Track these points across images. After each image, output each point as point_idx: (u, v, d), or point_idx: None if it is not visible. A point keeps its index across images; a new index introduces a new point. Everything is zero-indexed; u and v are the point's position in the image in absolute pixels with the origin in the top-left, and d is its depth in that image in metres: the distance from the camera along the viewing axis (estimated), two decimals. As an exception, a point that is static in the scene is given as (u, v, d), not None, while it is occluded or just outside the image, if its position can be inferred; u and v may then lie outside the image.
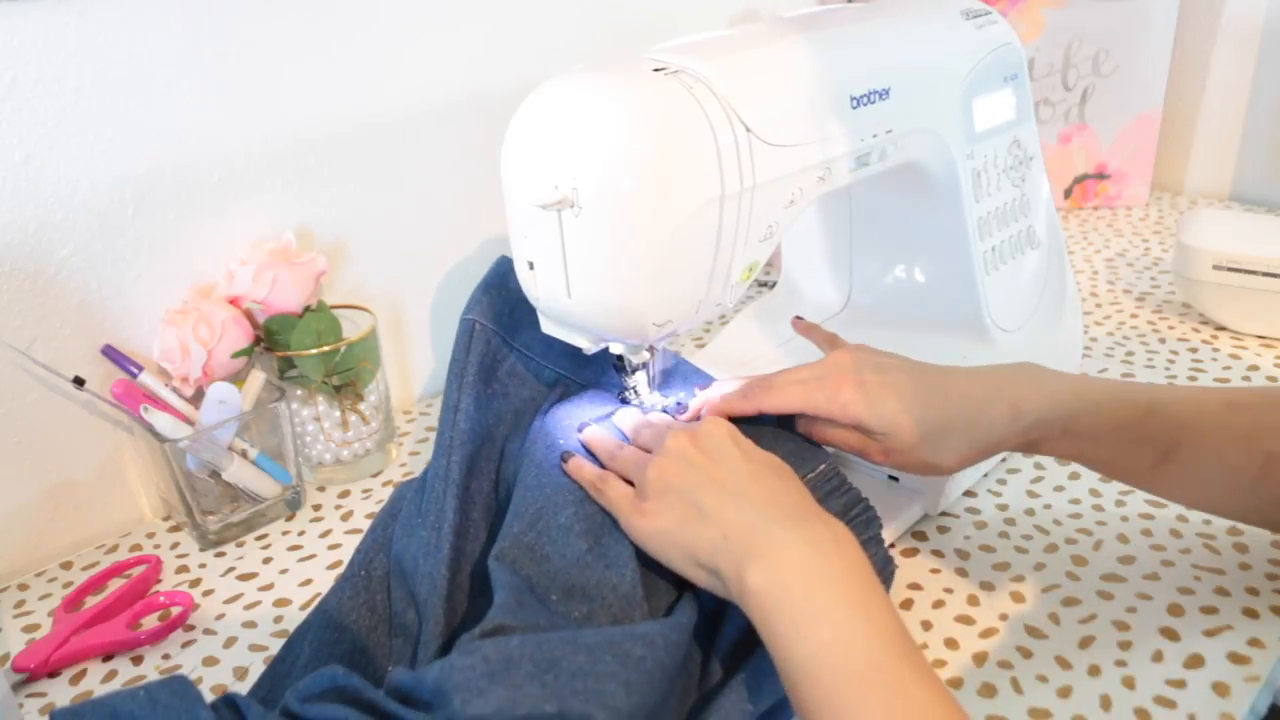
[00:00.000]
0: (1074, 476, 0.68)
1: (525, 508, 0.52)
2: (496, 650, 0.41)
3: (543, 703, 0.39)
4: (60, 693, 0.55)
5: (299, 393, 0.71)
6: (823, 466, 0.54)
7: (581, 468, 0.53)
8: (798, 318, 0.65)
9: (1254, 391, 0.52)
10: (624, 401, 0.60)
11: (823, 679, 0.40)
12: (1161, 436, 0.51)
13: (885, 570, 0.52)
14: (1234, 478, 0.50)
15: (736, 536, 0.44)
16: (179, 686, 0.41)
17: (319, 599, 0.52)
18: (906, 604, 0.57)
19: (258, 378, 0.67)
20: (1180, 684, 0.50)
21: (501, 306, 0.60)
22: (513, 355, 0.60)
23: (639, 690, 0.41)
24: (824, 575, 0.42)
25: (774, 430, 0.56)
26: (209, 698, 0.41)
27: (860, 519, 0.53)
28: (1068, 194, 1.22)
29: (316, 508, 0.71)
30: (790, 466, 0.51)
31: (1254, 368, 0.81)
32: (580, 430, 0.57)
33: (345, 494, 0.73)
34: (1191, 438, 0.51)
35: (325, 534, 0.68)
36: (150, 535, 0.69)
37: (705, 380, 0.60)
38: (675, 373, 0.62)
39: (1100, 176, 1.21)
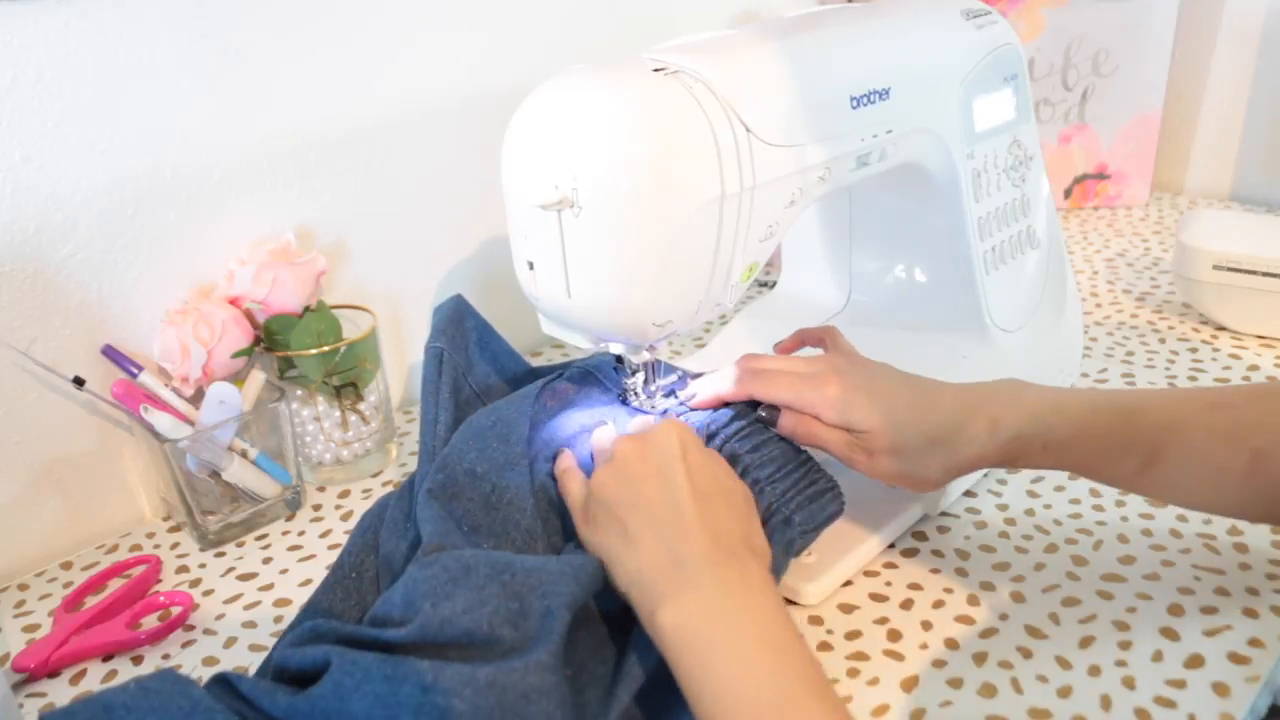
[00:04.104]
0: (1074, 476, 0.68)
1: (442, 460, 0.55)
2: (453, 559, 0.46)
3: (505, 600, 0.44)
4: (60, 693, 0.55)
5: (299, 393, 0.71)
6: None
7: (564, 460, 0.56)
8: (779, 343, 0.64)
9: (1236, 390, 0.52)
10: (624, 401, 0.60)
11: (730, 715, 0.40)
12: (1144, 442, 0.50)
13: (832, 498, 0.54)
14: (1222, 477, 0.50)
15: (651, 575, 0.45)
16: (169, 675, 0.42)
17: (306, 601, 0.53)
18: (907, 604, 0.57)
19: (258, 378, 0.67)
20: (1180, 684, 0.50)
21: (460, 342, 0.64)
22: (467, 388, 0.64)
23: (586, 586, 0.46)
24: (730, 614, 0.43)
25: None
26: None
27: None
28: (1068, 194, 1.21)
29: (316, 508, 0.71)
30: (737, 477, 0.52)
31: (1254, 368, 0.81)
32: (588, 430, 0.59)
33: (345, 494, 0.73)
34: (1176, 440, 0.50)
35: (325, 534, 0.68)
36: (150, 535, 0.69)
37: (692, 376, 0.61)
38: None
39: (1100, 176, 1.21)
